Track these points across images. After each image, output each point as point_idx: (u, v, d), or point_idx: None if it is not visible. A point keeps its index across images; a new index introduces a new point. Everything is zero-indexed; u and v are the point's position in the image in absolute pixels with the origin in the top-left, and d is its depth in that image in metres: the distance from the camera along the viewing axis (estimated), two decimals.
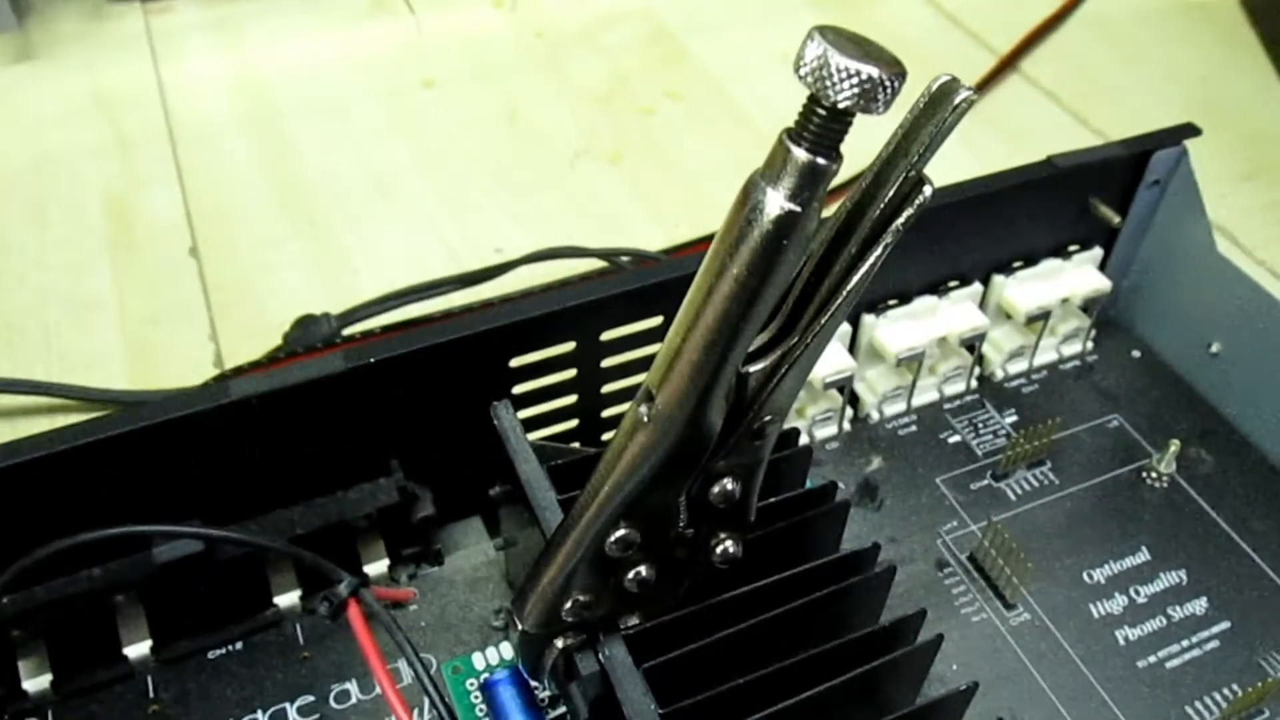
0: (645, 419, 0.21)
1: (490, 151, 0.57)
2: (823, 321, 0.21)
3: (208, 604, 0.32)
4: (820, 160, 0.18)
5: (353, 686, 0.32)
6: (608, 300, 0.32)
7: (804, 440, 0.36)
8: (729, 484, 0.23)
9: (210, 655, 0.33)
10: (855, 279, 0.21)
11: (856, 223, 0.20)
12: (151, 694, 0.32)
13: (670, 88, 0.62)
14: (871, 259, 0.20)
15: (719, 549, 0.25)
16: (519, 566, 0.32)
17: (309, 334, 0.44)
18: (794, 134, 0.18)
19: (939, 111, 0.19)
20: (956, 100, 0.19)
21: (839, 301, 0.21)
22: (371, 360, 0.30)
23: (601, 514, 0.22)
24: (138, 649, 0.32)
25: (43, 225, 0.52)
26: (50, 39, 0.64)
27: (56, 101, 0.60)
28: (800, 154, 0.18)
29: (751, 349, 0.22)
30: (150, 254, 0.51)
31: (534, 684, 0.27)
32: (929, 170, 0.20)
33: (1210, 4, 0.70)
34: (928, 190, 0.20)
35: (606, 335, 0.34)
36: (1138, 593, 0.35)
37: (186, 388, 0.43)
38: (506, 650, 0.30)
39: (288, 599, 0.34)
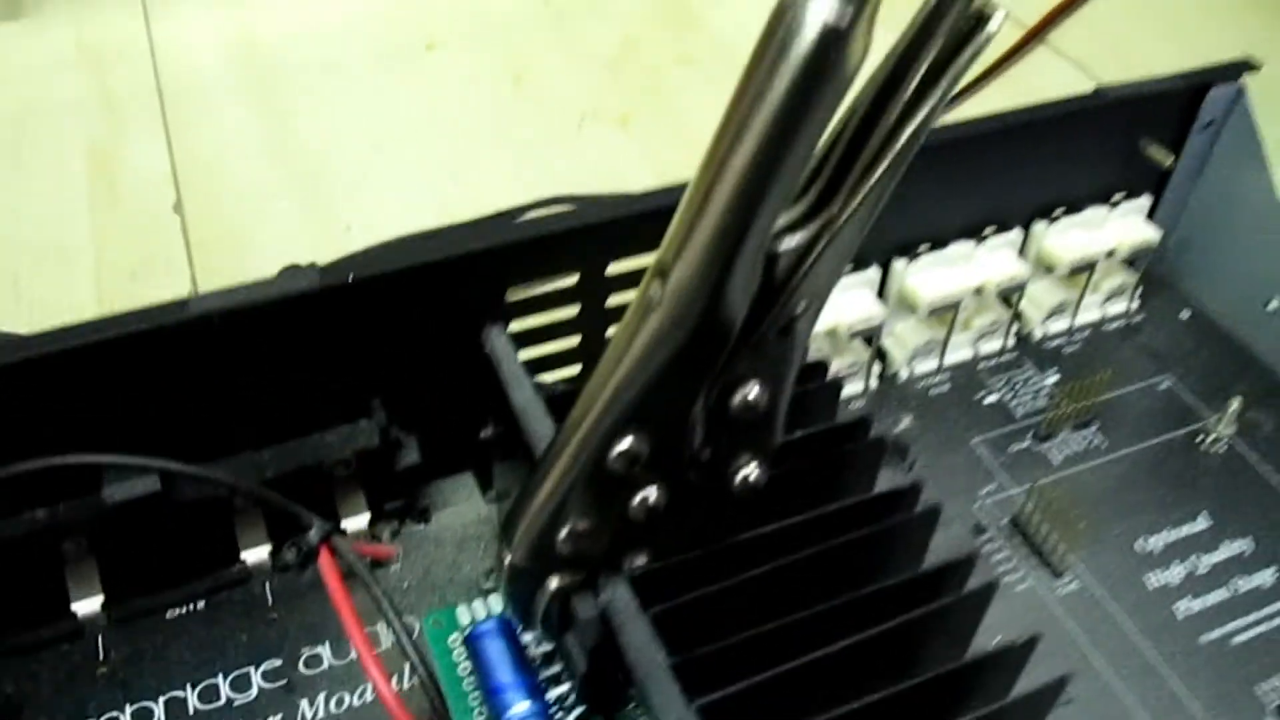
0: (658, 298, 0.18)
1: (493, 114, 0.54)
2: (869, 185, 0.18)
3: (166, 556, 0.29)
4: None
5: (325, 650, 0.29)
6: (620, 222, 0.29)
7: None
8: (754, 391, 0.20)
9: (168, 614, 0.30)
10: (908, 132, 0.17)
11: (909, 67, 0.17)
12: (101, 655, 0.29)
13: (682, 54, 0.59)
14: (927, 107, 0.17)
15: (739, 474, 0.21)
16: None
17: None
18: None
19: None
20: None
21: (888, 159, 0.18)
22: (349, 278, 0.27)
23: (604, 417, 0.19)
24: (88, 605, 0.29)
25: (19, 176, 0.49)
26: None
27: (43, 58, 0.57)
28: None
29: (783, 223, 0.18)
30: (132, 208, 0.48)
31: (525, 642, 0.24)
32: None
33: None
34: (994, 23, 0.17)
35: (614, 268, 0.31)
36: (1198, 562, 0.32)
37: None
38: (496, 604, 0.26)
39: (255, 554, 0.30)
